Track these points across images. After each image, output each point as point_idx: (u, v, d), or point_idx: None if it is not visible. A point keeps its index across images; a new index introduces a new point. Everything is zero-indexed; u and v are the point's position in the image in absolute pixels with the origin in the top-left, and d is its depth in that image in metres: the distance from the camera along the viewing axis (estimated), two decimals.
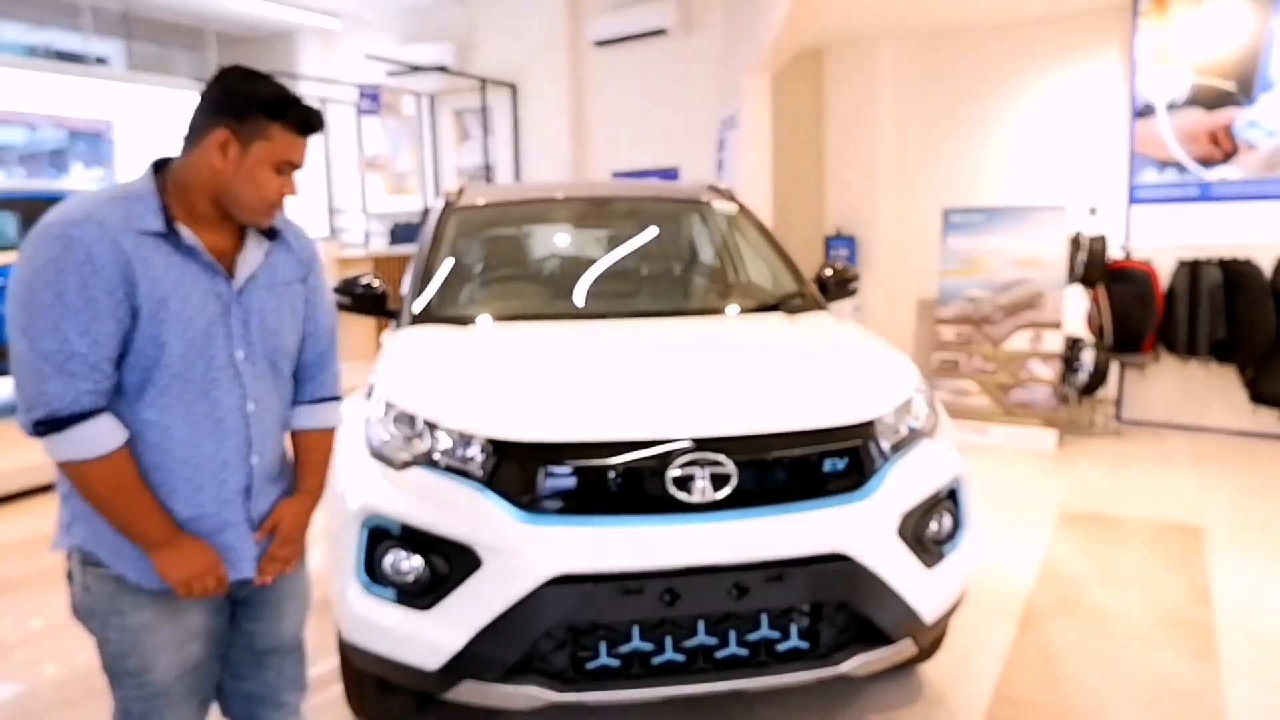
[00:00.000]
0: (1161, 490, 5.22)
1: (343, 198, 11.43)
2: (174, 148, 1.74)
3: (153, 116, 11.96)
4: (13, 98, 10.30)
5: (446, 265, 3.55)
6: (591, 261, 3.78)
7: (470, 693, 2.28)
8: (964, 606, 3.03)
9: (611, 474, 2.26)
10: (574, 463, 2.26)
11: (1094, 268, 6.58)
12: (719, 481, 2.25)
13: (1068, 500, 5.07)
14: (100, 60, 11.76)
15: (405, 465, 2.36)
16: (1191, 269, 6.38)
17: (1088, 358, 6.61)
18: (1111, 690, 3.00)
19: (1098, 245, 6.58)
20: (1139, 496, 5.12)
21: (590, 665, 2.29)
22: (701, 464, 2.25)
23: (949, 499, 2.59)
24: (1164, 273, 6.49)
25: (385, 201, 11.16)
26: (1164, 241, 6.56)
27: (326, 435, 1.96)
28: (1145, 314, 6.51)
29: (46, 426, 1.57)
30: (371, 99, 9.37)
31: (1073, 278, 6.55)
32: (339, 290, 3.50)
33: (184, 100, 10.63)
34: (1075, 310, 6.72)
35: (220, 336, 1.71)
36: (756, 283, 3.79)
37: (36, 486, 5.55)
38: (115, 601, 1.69)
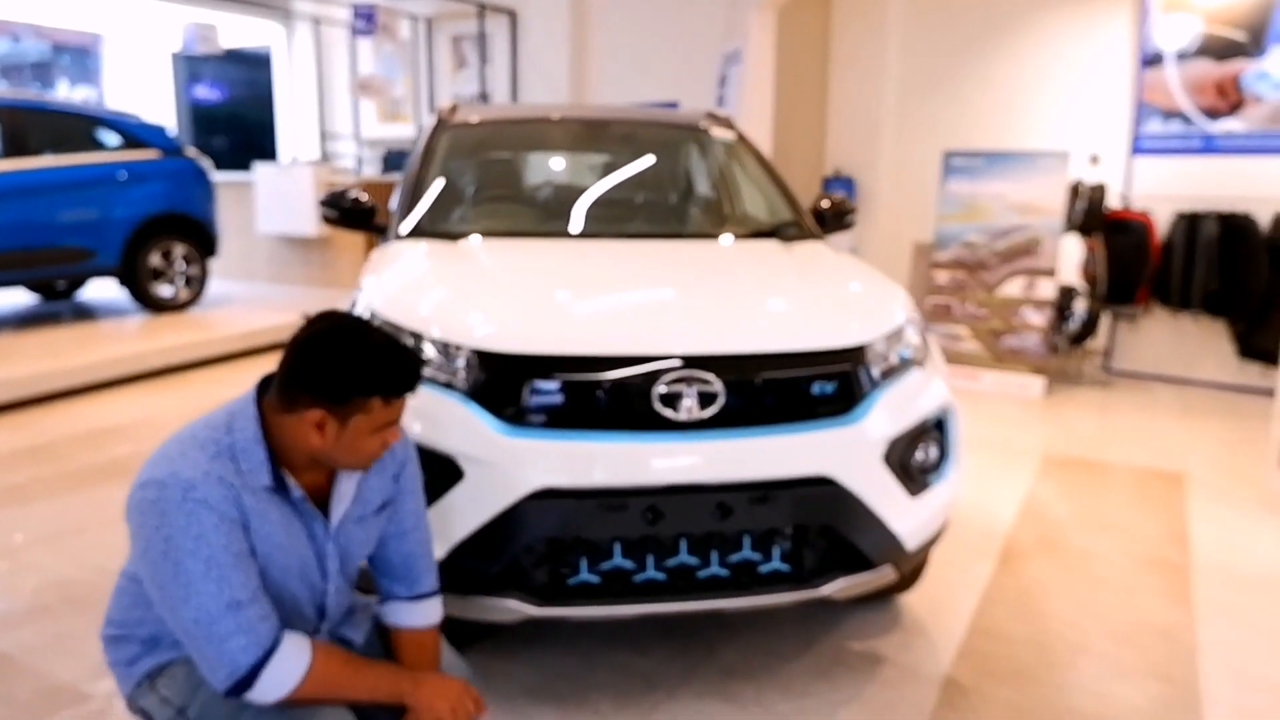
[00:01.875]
0: (1146, 439, 5.24)
1: (336, 122, 11.24)
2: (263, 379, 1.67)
3: (142, 31, 11.66)
4: None
5: (437, 182, 3.48)
6: (586, 184, 3.71)
7: (450, 604, 2.26)
8: (945, 543, 3.06)
9: (597, 389, 2.23)
10: (559, 376, 2.22)
11: (1092, 216, 6.52)
12: (706, 400, 2.22)
13: (1052, 446, 5.09)
14: None
15: None
16: (1190, 221, 6.34)
17: (1080, 307, 6.59)
18: (1089, 626, 3.03)
19: (1097, 194, 6.52)
20: (1124, 444, 5.14)
21: (571, 581, 2.28)
22: (689, 381, 2.22)
23: (936, 429, 2.57)
24: (1162, 224, 6.45)
25: (378, 128, 10.97)
26: (1164, 192, 6.50)
27: (431, 634, 1.90)
28: (1140, 265, 6.49)
29: (239, 687, 1.54)
30: (367, 19, 9.13)
31: (1070, 226, 6.50)
32: (326, 203, 3.44)
33: (174, 14, 10.35)
34: (1071, 259, 6.68)
35: (313, 581, 1.72)
36: (752, 211, 3.73)
37: (21, 400, 5.52)
38: (192, 678, 1.66)
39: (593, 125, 4.01)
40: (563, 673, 2.65)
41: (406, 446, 1.88)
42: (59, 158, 7.17)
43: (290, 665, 1.57)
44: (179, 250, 7.91)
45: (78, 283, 8.74)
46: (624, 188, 3.70)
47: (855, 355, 2.40)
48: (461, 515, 2.19)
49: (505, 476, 2.16)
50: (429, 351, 2.31)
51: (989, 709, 2.54)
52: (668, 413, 2.21)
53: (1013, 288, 6.41)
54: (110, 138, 7.61)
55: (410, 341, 2.33)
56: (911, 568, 2.65)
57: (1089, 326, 6.59)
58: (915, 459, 2.49)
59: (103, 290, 8.79)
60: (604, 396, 2.23)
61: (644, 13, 8.91)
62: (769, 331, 2.39)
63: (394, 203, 3.47)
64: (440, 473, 2.20)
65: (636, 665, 2.70)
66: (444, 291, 2.57)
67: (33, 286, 8.47)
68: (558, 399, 2.23)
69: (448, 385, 2.26)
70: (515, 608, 2.25)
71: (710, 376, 2.22)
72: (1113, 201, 6.62)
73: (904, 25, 8.26)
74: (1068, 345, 6.70)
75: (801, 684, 2.63)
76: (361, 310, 2.50)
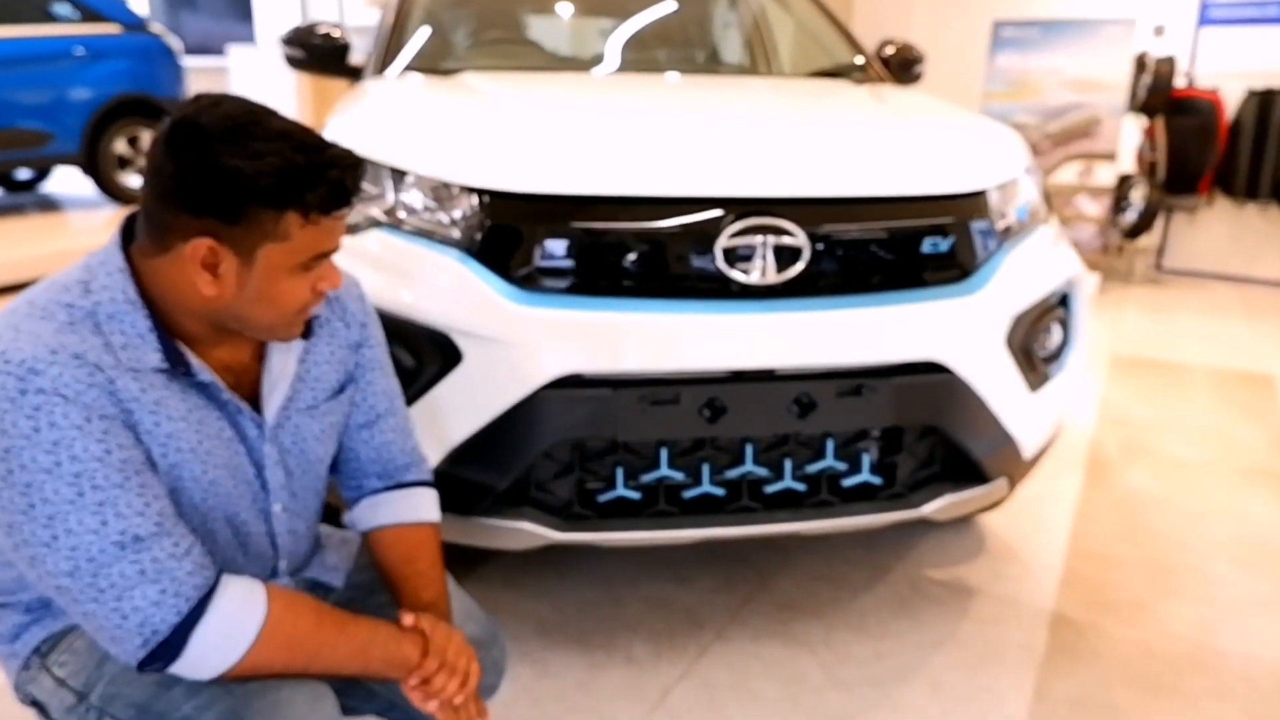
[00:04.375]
0: (1217, 339, 4.72)
1: (319, 9, 10.37)
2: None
3: None
4: None
5: (424, 17, 2.84)
6: (605, 19, 3.08)
7: (446, 528, 1.72)
8: None
9: (639, 240, 1.66)
10: (590, 224, 1.65)
11: (1157, 94, 5.83)
12: (785, 258, 1.66)
13: (1117, 346, 4.56)
14: None
15: (360, 229, 1.76)
16: (1262, 100, 5.72)
17: (1137, 196, 5.98)
18: (1203, 547, 2.54)
19: (1164, 68, 5.81)
20: (1194, 344, 4.61)
21: (602, 498, 1.77)
22: (763, 232, 1.65)
23: (1061, 306, 2.03)
24: (1231, 104, 5.80)
25: (366, 14, 10.09)
26: (1234, 68, 5.84)
27: (427, 533, 1.35)
28: (1205, 150, 5.86)
29: (158, 657, 1.02)
30: None
31: (1133, 105, 5.83)
32: (289, 41, 2.81)
33: None
34: (1133, 142, 6.05)
35: (250, 495, 1.19)
36: (808, 52, 3.11)
37: None
38: (96, 648, 1.13)
39: None
40: (585, 607, 2.16)
41: (361, 299, 1.32)
42: (6, 29, 6.45)
43: (235, 621, 1.04)
44: (146, 137, 7.23)
45: (42, 174, 8.10)
46: (653, 21, 3.05)
47: (974, 205, 1.83)
48: (459, 411, 1.66)
49: (517, 359, 1.61)
50: (414, 196, 1.74)
51: (1114, 651, 2.06)
52: (735, 273, 1.65)
53: (1066, 174, 5.80)
54: (63, 9, 6.88)
55: (389, 181, 1.76)
56: (1022, 480, 2.13)
57: (1147, 218, 5.99)
58: (1037, 343, 1.95)
59: (68, 183, 8.13)
60: (648, 250, 1.66)
61: None
62: (865, 171, 1.81)
63: (371, 43, 2.85)
64: (431, 355, 1.66)
65: (676, 598, 2.21)
66: (436, 121, 1.98)
67: None
68: (588, 254, 1.66)
69: (441, 240, 1.69)
70: (531, 531, 1.73)
71: (790, 225, 1.66)
72: (1176, 79, 5.95)
73: None
74: (1120, 239, 6.13)
75: (878, 622, 2.14)
76: None
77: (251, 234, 1.01)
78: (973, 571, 2.37)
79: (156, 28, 7.46)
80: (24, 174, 7.98)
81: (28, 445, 0.97)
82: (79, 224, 6.70)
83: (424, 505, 1.37)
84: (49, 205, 7.47)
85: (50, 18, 6.82)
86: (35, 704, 1.20)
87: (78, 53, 6.80)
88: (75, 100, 6.78)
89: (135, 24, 7.25)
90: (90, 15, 6.98)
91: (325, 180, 1.01)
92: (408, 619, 1.20)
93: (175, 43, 7.53)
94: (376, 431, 1.34)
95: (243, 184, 0.98)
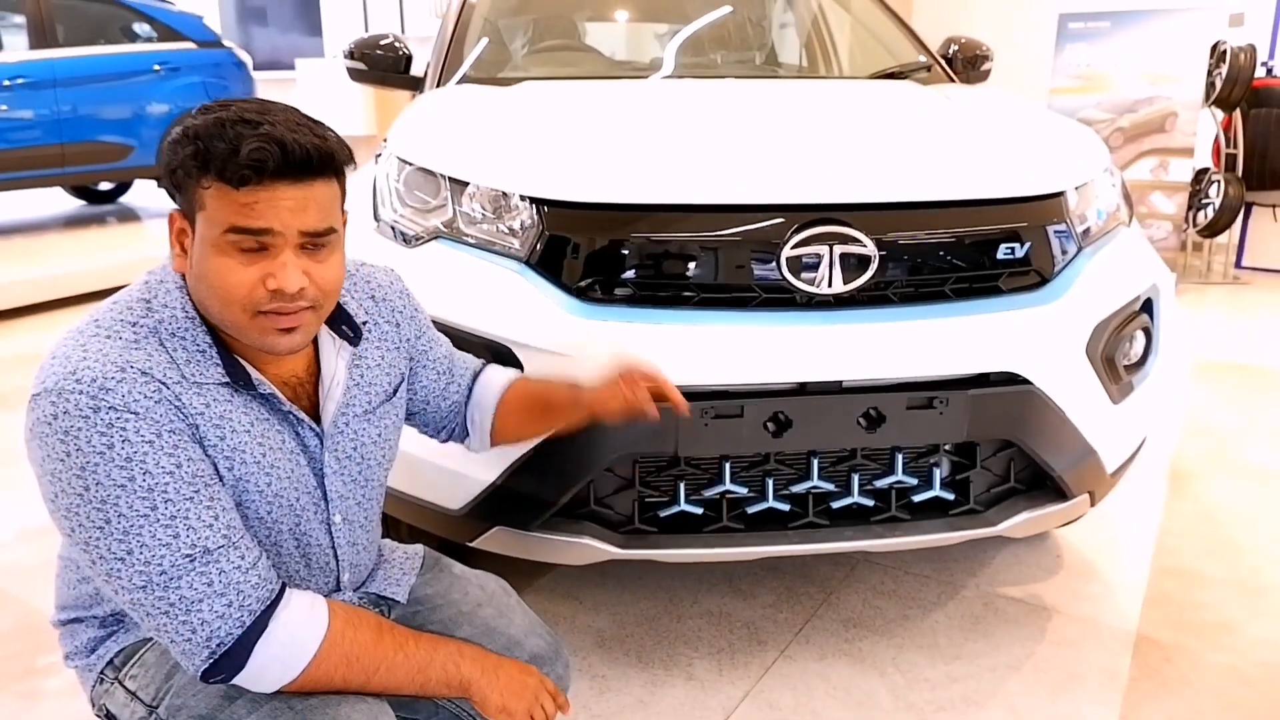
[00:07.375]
0: None
1: (383, 22, 10.54)
2: None
3: None
4: None
5: (482, 27, 2.84)
6: (662, 27, 3.06)
7: (505, 542, 1.74)
8: None
9: (701, 250, 1.62)
10: (649, 234, 1.61)
11: (1236, 85, 5.59)
12: (852, 266, 1.61)
13: (1198, 350, 4.38)
14: None
15: (421, 240, 1.75)
16: None
17: (1215, 192, 5.74)
18: None
19: (1244, 58, 5.57)
20: (1278, 347, 4.41)
21: (664, 513, 1.73)
22: (830, 240, 1.60)
23: (1144, 312, 1.93)
24: None
25: (430, 25, 10.23)
26: None
27: (520, 380, 1.48)
28: None
29: (222, 669, 1.04)
30: None
31: (1210, 97, 5.61)
32: (351, 55, 2.84)
33: None
34: (1209, 136, 5.81)
35: (312, 507, 1.20)
36: (870, 54, 3.04)
37: (50, 300, 5.12)
38: (166, 661, 1.16)
39: None
40: (645, 621, 2.13)
41: (404, 295, 1.35)
42: (90, 49, 6.70)
43: (297, 634, 1.05)
44: None
45: (122, 186, 8.39)
46: (710, 25, 3.01)
47: (1051, 208, 1.75)
48: None
49: (576, 371, 1.58)
50: (474, 207, 1.72)
51: (1204, 678, 1.95)
52: (800, 283, 1.60)
53: (1140, 171, 5.59)
54: (142, 28, 7.12)
55: (449, 192, 1.75)
56: (1105, 496, 2.04)
57: (1225, 216, 5.75)
58: (1120, 352, 1.86)
59: (146, 195, 8.39)
60: (711, 261, 1.62)
61: None
62: (935, 174, 1.74)
63: (432, 53, 2.86)
64: None
65: (737, 613, 2.16)
66: (495, 131, 1.96)
67: (74, 189, 8.12)
68: (648, 265, 1.62)
69: (501, 251, 1.68)
70: (591, 547, 1.70)
71: (859, 234, 1.60)
72: (1256, 69, 5.70)
73: None
74: (1197, 237, 5.89)
75: (950, 642, 2.07)
76: (387, 156, 1.92)
77: (191, 205, 1.04)
78: (1050, 589, 2.28)
79: (229, 44, 7.68)
80: (105, 186, 8.27)
81: (102, 461, 0.99)
82: (156, 234, 6.91)
83: (501, 370, 1.48)
84: (128, 216, 7.72)
85: (131, 36, 7.08)
86: (109, 717, 1.22)
87: (156, 69, 7.02)
88: (154, 115, 7.01)
89: (209, 41, 7.48)
90: (167, 33, 7.23)
91: (235, 147, 0.99)
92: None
93: (246, 58, 7.74)
94: (455, 377, 1.43)
95: (177, 157, 1.02)
